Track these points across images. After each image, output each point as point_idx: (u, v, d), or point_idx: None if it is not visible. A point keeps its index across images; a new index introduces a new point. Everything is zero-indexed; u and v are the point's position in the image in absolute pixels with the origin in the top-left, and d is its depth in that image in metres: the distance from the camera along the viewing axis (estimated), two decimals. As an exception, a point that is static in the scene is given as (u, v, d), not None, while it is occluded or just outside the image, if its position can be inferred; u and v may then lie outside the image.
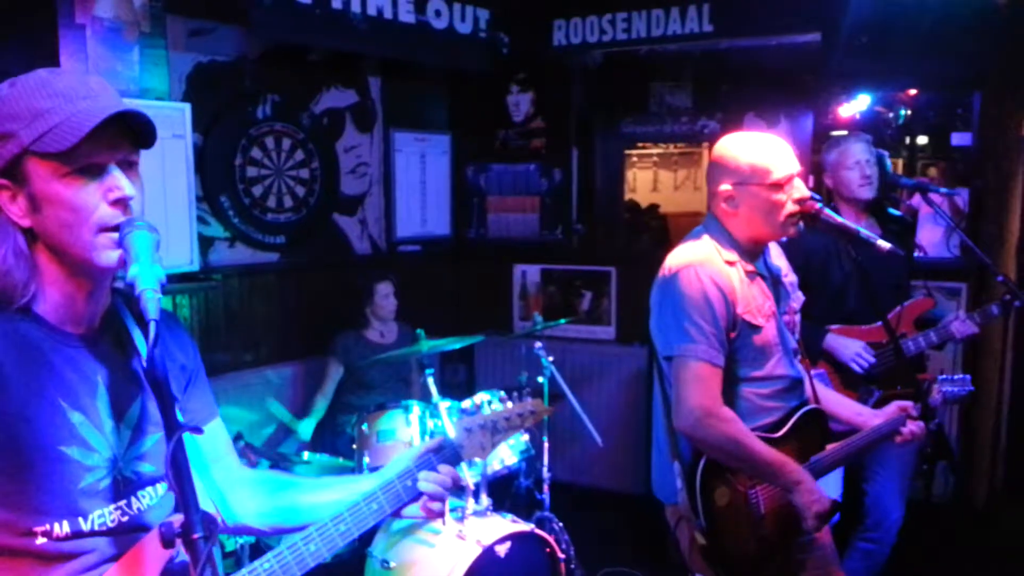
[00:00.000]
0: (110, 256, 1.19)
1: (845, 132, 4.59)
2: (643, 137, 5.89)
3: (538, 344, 3.86)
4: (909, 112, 4.77)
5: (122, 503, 1.28)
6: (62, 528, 1.21)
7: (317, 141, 4.58)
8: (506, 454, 3.63)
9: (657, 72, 5.04)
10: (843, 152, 3.12)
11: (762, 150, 2.16)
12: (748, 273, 2.19)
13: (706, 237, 2.22)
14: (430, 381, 3.39)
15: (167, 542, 0.96)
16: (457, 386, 5.34)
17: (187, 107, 3.51)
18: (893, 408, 2.35)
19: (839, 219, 2.22)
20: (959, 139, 4.24)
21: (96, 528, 1.24)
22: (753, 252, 2.24)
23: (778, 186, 2.12)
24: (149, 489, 1.33)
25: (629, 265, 5.08)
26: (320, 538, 1.41)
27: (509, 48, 5.00)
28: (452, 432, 1.64)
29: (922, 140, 5.08)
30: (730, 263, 2.16)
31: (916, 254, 3.85)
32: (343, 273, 4.71)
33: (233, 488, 1.50)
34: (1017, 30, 3.64)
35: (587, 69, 5.10)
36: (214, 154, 4.06)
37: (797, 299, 2.44)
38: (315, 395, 4.25)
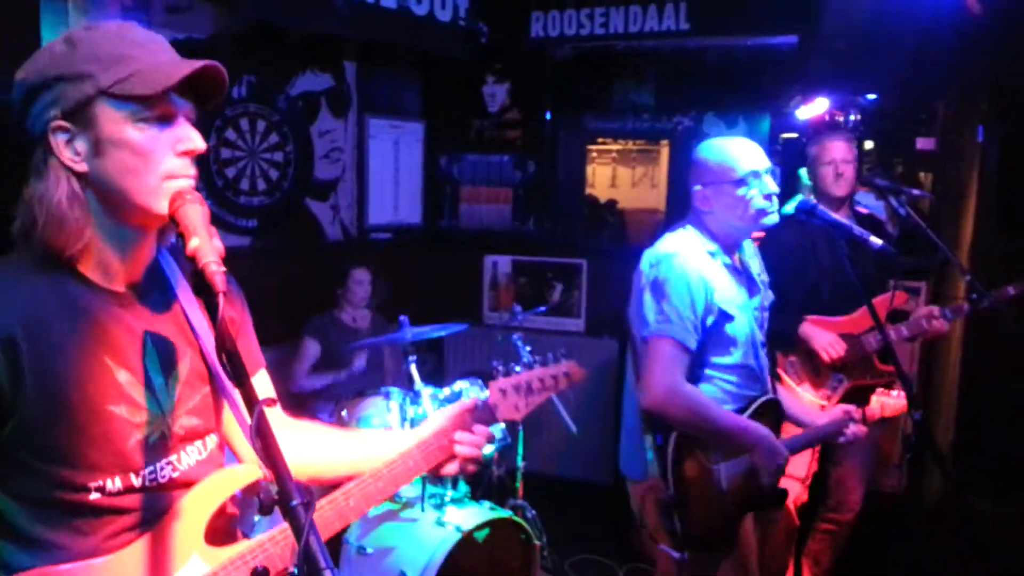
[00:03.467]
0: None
1: (795, 135, 4.74)
2: (606, 133, 5.97)
3: (516, 335, 3.89)
4: (859, 117, 4.93)
5: (172, 457, 1.30)
6: (115, 484, 1.24)
7: (292, 124, 4.51)
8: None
9: (622, 69, 5.10)
10: (821, 148, 3.23)
11: (727, 150, 2.32)
12: (726, 266, 2.33)
13: (690, 228, 2.38)
14: (413, 368, 3.39)
15: (265, 508, 0.96)
16: (427, 375, 5.32)
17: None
18: (838, 411, 2.52)
19: (832, 216, 2.32)
20: (924, 144, 4.40)
21: (147, 484, 1.27)
22: (730, 247, 2.38)
23: (742, 182, 2.27)
24: (198, 443, 1.35)
25: (600, 258, 5.14)
26: (360, 494, 1.41)
27: (487, 37, 5.01)
28: (486, 392, 1.63)
29: (868, 145, 5.25)
30: (711, 253, 2.32)
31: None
32: (314, 258, 4.67)
33: None
34: (984, 42, 3.79)
35: (555, 62, 5.13)
36: (188, 134, 3.97)
37: (767, 297, 2.56)
38: (294, 369, 4.17)
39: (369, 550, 3.16)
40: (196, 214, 1.17)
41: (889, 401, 2.64)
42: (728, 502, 2.31)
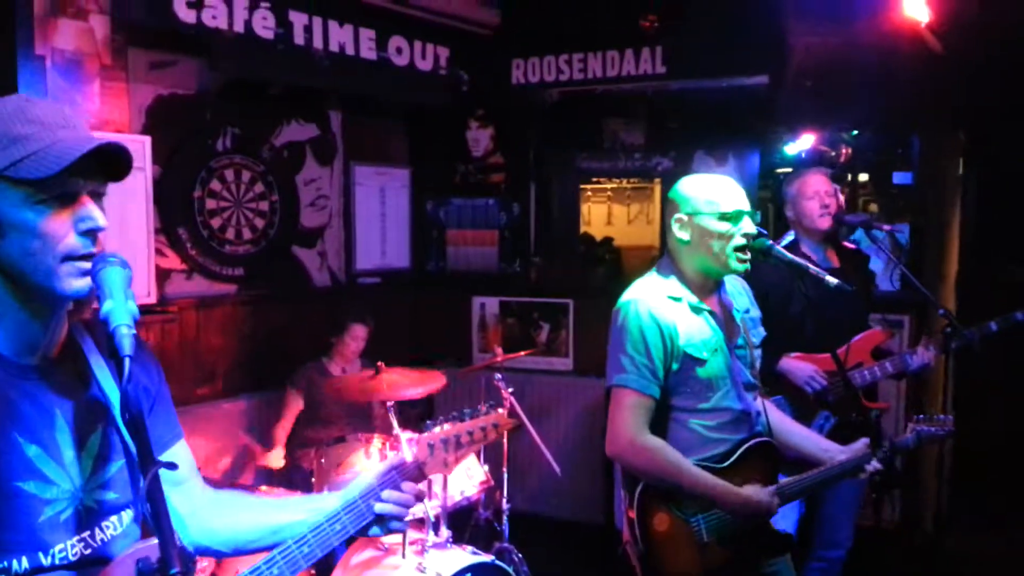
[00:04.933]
0: (75, 284, 1.18)
1: (790, 169, 4.77)
2: (598, 172, 6.01)
3: (498, 375, 3.90)
4: (849, 151, 4.97)
5: (85, 534, 1.26)
6: (21, 564, 1.18)
7: (277, 174, 4.59)
8: (466, 485, 3.65)
9: (611, 110, 5.17)
10: (802, 183, 3.22)
11: (714, 186, 2.30)
12: (692, 308, 2.28)
13: (654, 274, 2.37)
14: (391, 413, 3.39)
15: (147, 578, 0.95)
16: (415, 418, 5.33)
17: (147, 140, 3.51)
18: (860, 445, 2.40)
19: (788, 255, 2.33)
20: (900, 178, 4.42)
21: (57, 563, 1.21)
22: (702, 287, 2.32)
23: (727, 218, 2.24)
24: (113, 518, 1.30)
25: (587, 297, 5.16)
26: (284, 561, 1.39)
27: (469, 85, 5.10)
28: (414, 448, 1.58)
29: (863, 177, 5.29)
30: (674, 298, 2.27)
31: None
32: (302, 305, 4.71)
33: (195, 511, 1.47)
34: (951, 76, 3.84)
35: (544, 106, 5.21)
36: (173, 186, 4.05)
37: (758, 335, 2.49)
38: (275, 426, 4.19)
39: (350, 598, 3.14)
40: (115, 277, 1.17)
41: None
42: (719, 555, 2.22)
